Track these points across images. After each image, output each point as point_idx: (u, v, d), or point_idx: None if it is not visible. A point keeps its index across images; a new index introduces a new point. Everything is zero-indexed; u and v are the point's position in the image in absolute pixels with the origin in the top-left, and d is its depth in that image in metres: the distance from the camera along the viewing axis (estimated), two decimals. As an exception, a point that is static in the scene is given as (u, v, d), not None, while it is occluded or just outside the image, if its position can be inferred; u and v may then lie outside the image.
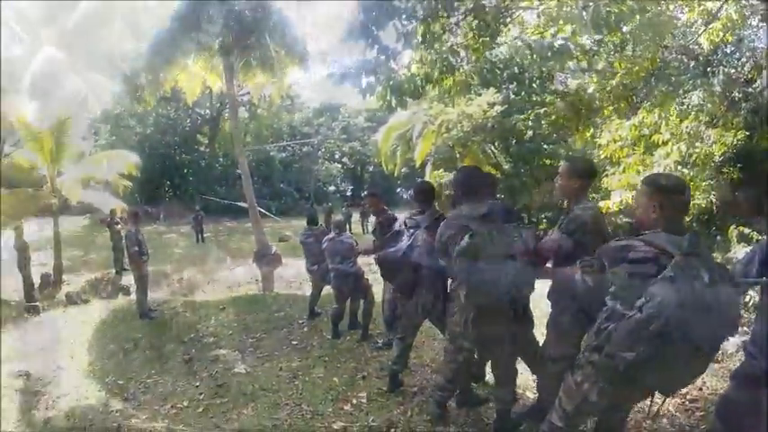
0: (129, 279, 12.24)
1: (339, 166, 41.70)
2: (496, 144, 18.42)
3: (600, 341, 2.55)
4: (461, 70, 6.55)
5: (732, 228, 7.29)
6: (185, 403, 5.56)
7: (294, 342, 7.27)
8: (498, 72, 6.76)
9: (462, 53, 6.54)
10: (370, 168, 40.70)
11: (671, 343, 2.29)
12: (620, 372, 2.46)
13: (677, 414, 4.19)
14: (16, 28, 14.93)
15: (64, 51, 13.86)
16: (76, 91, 13.13)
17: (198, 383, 6.14)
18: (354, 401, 4.91)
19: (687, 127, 8.18)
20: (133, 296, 10.41)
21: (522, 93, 17.70)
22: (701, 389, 4.52)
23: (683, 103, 8.43)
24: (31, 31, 15.23)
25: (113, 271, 14.95)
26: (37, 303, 11.45)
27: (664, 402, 2.92)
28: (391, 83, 6.07)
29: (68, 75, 13.32)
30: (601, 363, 2.57)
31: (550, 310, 3.63)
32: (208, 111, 35.93)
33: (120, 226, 14.74)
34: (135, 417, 5.30)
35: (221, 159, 35.34)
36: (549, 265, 3.47)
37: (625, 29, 7.48)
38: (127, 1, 18.84)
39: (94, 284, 13.33)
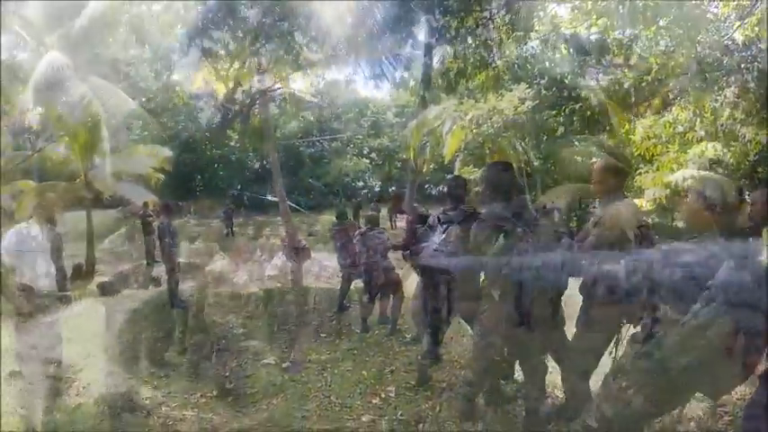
0: (159, 270, 12.39)
1: (367, 161, 41.56)
2: (527, 140, 18.23)
3: (649, 348, 2.51)
4: (494, 65, 6.53)
5: (765, 230, 7.14)
6: (215, 392, 5.61)
7: (323, 335, 7.31)
8: (530, 67, 6.72)
9: (495, 48, 6.51)
10: (398, 164, 40.51)
11: (724, 348, 2.26)
12: (672, 378, 2.42)
13: (705, 418, 4.13)
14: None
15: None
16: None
17: (227, 373, 6.18)
18: (383, 395, 4.94)
19: (722, 125, 8.03)
20: (164, 287, 10.52)
21: (554, 88, 17.48)
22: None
23: (716, 100, 8.28)
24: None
25: (145, 262, 15.11)
26: (69, 293, 11.62)
27: (715, 409, 2.87)
28: (423, 78, 6.07)
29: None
30: (651, 369, 2.53)
31: (581, 304, 3.60)
32: (238, 106, 36.09)
33: (152, 218, 14.89)
34: (165, 404, 5.34)
35: (251, 154, 35.51)
36: (583, 262, 3.42)
37: (660, 23, 7.38)
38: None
39: (126, 275, 13.51)
